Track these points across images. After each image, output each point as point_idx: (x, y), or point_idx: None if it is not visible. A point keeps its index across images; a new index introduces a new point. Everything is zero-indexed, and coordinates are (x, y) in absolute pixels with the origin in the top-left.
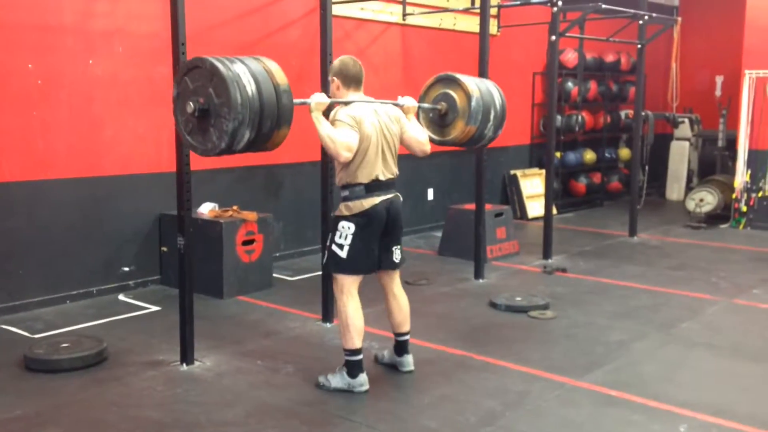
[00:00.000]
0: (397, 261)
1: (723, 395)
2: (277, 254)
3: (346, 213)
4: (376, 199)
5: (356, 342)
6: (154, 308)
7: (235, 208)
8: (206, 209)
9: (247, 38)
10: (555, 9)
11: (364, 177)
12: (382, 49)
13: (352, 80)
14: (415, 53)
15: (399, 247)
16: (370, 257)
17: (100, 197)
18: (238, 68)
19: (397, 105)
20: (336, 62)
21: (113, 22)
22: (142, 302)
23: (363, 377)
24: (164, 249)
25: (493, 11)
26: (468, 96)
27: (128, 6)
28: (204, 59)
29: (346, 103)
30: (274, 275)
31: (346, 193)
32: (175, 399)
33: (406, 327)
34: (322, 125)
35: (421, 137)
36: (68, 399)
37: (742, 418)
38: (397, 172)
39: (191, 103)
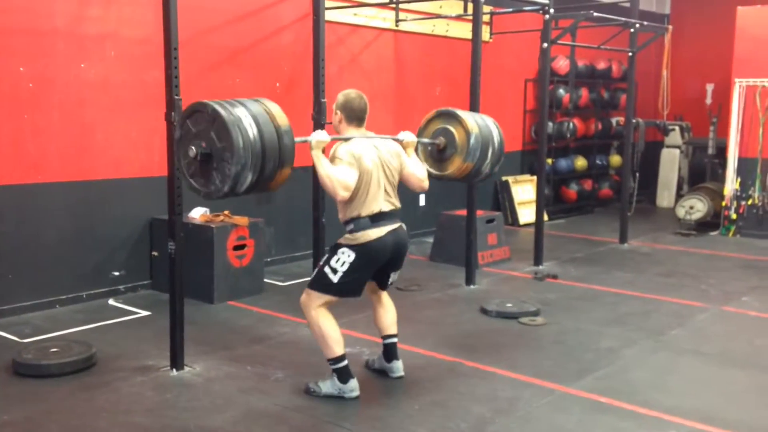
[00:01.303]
0: (389, 284)
1: (712, 402)
2: (269, 259)
3: (350, 242)
4: (381, 231)
5: (337, 350)
6: (145, 313)
7: (226, 212)
8: (197, 214)
9: (239, 43)
10: (547, 17)
11: (366, 212)
12: (375, 54)
13: (355, 117)
14: (408, 59)
15: (398, 273)
16: (360, 286)
17: (90, 201)
18: (240, 112)
19: (396, 140)
20: (341, 96)
21: (105, 27)
22: (132, 307)
23: (354, 383)
24: (155, 253)
25: (486, 18)
26: (467, 133)
27: (120, 11)
28: (206, 104)
29: (346, 139)
30: (265, 280)
31: (351, 226)
32: (165, 405)
33: (393, 329)
34: (322, 164)
35: (420, 174)
36: (57, 404)
37: (730, 425)
38: (400, 206)
39: (193, 147)
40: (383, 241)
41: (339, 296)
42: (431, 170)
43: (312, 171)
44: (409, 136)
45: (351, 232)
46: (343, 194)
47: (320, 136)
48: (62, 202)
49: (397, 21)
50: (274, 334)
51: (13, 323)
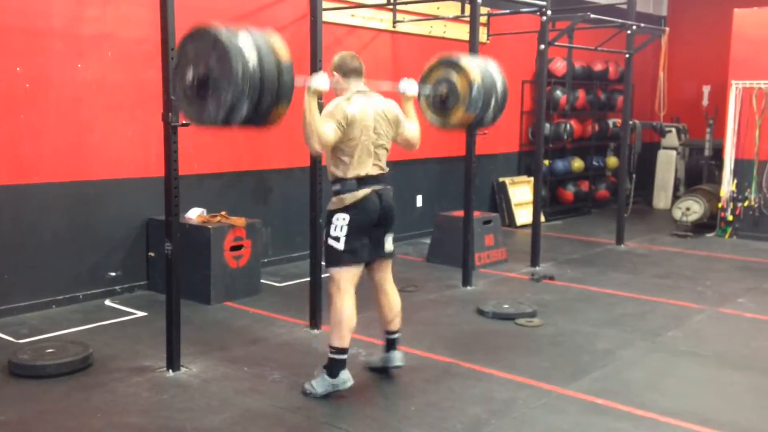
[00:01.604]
0: (389, 249)
1: (708, 403)
2: (265, 260)
3: (339, 206)
4: (367, 190)
5: (346, 340)
6: (141, 314)
7: (223, 213)
8: (194, 214)
9: None
10: (544, 18)
11: (353, 174)
12: (372, 56)
13: (351, 71)
14: (405, 60)
15: (391, 235)
16: (365, 246)
17: (87, 201)
18: (242, 39)
19: (398, 91)
20: (336, 57)
21: (103, 27)
22: (129, 308)
23: (345, 374)
24: (152, 254)
25: (483, 19)
26: (470, 83)
27: (118, 11)
28: (208, 27)
29: (348, 98)
30: (262, 281)
31: (338, 186)
32: (161, 405)
33: (396, 324)
34: (311, 109)
35: (414, 138)
36: (53, 405)
37: (726, 426)
38: (388, 169)
39: (191, 71)
40: (370, 198)
41: (354, 263)
42: (434, 120)
43: (310, 171)
44: (410, 88)
45: (337, 193)
46: (316, 149)
47: (320, 83)
48: (59, 203)
49: (395, 22)
50: (271, 335)
51: (10, 324)
